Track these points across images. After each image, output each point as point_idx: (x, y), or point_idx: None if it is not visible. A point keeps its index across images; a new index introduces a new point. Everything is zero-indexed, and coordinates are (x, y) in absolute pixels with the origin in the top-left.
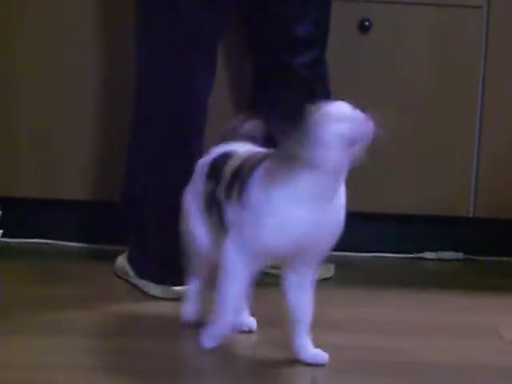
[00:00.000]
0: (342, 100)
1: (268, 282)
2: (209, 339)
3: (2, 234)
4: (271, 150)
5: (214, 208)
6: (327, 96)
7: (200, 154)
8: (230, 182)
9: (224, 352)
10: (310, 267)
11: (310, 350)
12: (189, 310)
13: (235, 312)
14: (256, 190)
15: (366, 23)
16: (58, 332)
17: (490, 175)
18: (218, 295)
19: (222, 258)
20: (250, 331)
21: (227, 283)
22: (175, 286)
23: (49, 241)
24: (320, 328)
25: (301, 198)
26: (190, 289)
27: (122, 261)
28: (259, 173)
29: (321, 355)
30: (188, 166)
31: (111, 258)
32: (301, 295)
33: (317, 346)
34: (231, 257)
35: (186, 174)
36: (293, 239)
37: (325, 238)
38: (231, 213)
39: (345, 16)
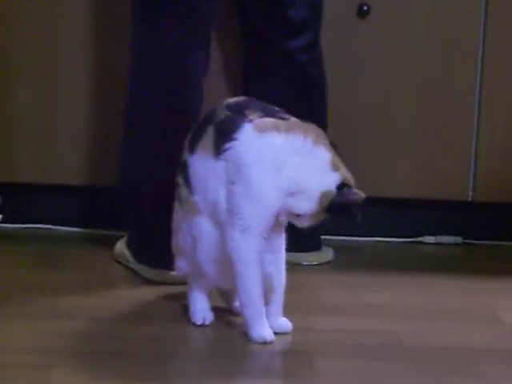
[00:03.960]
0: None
1: None
2: (257, 332)
3: (1, 219)
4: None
5: (180, 180)
6: (321, 79)
7: None
8: (196, 133)
9: (221, 336)
10: (278, 228)
11: (277, 319)
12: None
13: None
14: (246, 148)
15: (365, 7)
16: (57, 317)
17: (489, 159)
18: (241, 288)
19: (232, 251)
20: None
21: (247, 273)
22: (173, 270)
23: (48, 226)
24: (319, 312)
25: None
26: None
27: (120, 246)
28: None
29: (285, 324)
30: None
31: (110, 243)
32: (274, 259)
33: (315, 329)
34: (242, 246)
35: None
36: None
37: None
38: (200, 164)
39: (343, 0)
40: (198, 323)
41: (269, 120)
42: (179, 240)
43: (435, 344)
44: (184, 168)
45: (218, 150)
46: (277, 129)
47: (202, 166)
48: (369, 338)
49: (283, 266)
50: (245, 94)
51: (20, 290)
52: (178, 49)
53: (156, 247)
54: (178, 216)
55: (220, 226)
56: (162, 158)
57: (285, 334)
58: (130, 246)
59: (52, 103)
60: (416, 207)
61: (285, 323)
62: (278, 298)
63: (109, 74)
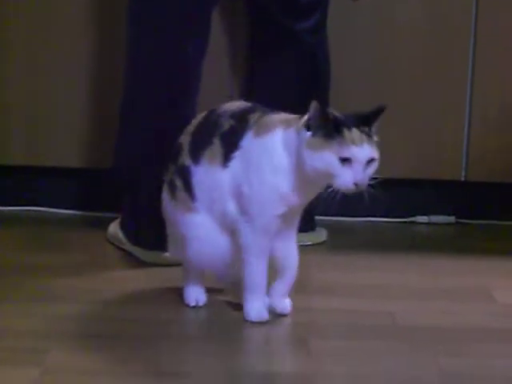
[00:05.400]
0: None
1: None
2: (255, 311)
3: None
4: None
5: (177, 182)
6: (327, 61)
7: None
8: (200, 142)
9: (215, 318)
10: (291, 221)
11: (280, 299)
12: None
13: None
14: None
15: None
16: (51, 299)
17: (482, 139)
18: (246, 273)
19: (241, 242)
20: (284, 314)
21: (253, 261)
22: (167, 252)
23: (41, 208)
24: (313, 292)
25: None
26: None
27: (114, 227)
28: (249, 137)
29: (287, 307)
30: (181, 130)
31: (104, 224)
32: (283, 246)
33: (309, 309)
34: (250, 239)
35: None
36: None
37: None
38: (206, 176)
39: None
40: (192, 305)
41: (267, 121)
42: (169, 229)
43: (429, 323)
44: (184, 173)
45: (226, 159)
46: (271, 130)
47: (209, 177)
48: (363, 318)
49: (294, 253)
50: (250, 74)
51: (14, 272)
52: (177, 31)
53: (150, 229)
54: (168, 209)
55: (227, 230)
56: (159, 137)
57: (284, 315)
58: (123, 227)
59: (46, 85)
60: (409, 187)
61: (286, 304)
62: (285, 279)
63: (104, 56)
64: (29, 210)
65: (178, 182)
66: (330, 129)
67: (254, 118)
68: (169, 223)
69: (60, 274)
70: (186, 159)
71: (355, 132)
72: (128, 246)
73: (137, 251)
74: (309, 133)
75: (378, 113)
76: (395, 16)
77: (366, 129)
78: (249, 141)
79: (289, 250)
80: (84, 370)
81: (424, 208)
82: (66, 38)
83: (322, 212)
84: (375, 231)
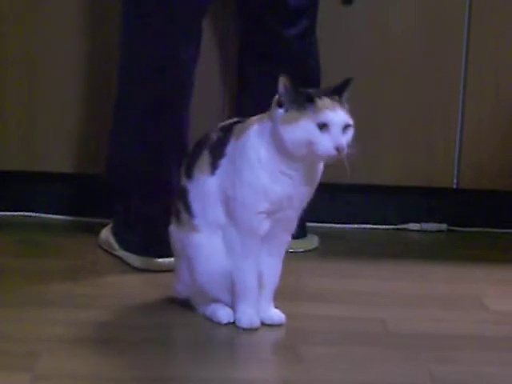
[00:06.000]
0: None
1: None
2: (247, 317)
3: None
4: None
5: (180, 205)
6: (317, 67)
7: (186, 125)
8: (192, 158)
9: (207, 325)
10: (283, 234)
11: (268, 311)
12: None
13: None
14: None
15: None
16: (43, 304)
17: (474, 146)
18: (237, 279)
19: (230, 246)
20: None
21: (243, 265)
22: (159, 257)
23: (33, 214)
24: (305, 299)
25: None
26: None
27: (106, 233)
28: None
29: (277, 316)
30: (174, 137)
31: (95, 230)
32: (269, 261)
33: (300, 316)
34: (239, 243)
35: (172, 145)
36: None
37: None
38: (198, 188)
39: None
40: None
41: (245, 124)
42: (177, 263)
43: (420, 331)
44: (183, 194)
45: (213, 167)
46: (247, 129)
47: (200, 188)
48: (354, 325)
49: (278, 269)
50: (239, 79)
51: (6, 277)
52: (169, 38)
53: (141, 234)
54: (176, 238)
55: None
56: (151, 143)
57: (278, 325)
58: (115, 232)
59: (38, 90)
60: (401, 194)
61: (276, 315)
62: (267, 293)
63: (96, 60)
64: (20, 216)
65: (180, 205)
66: (301, 101)
67: (237, 127)
68: (177, 255)
69: (52, 280)
70: (182, 180)
71: (326, 99)
72: (120, 252)
73: (129, 257)
74: (281, 109)
75: (345, 84)
76: (385, 24)
77: (336, 97)
78: (232, 146)
79: (271, 265)
80: (75, 375)
81: (416, 215)
82: (61, 45)
83: (314, 218)
84: (367, 238)
